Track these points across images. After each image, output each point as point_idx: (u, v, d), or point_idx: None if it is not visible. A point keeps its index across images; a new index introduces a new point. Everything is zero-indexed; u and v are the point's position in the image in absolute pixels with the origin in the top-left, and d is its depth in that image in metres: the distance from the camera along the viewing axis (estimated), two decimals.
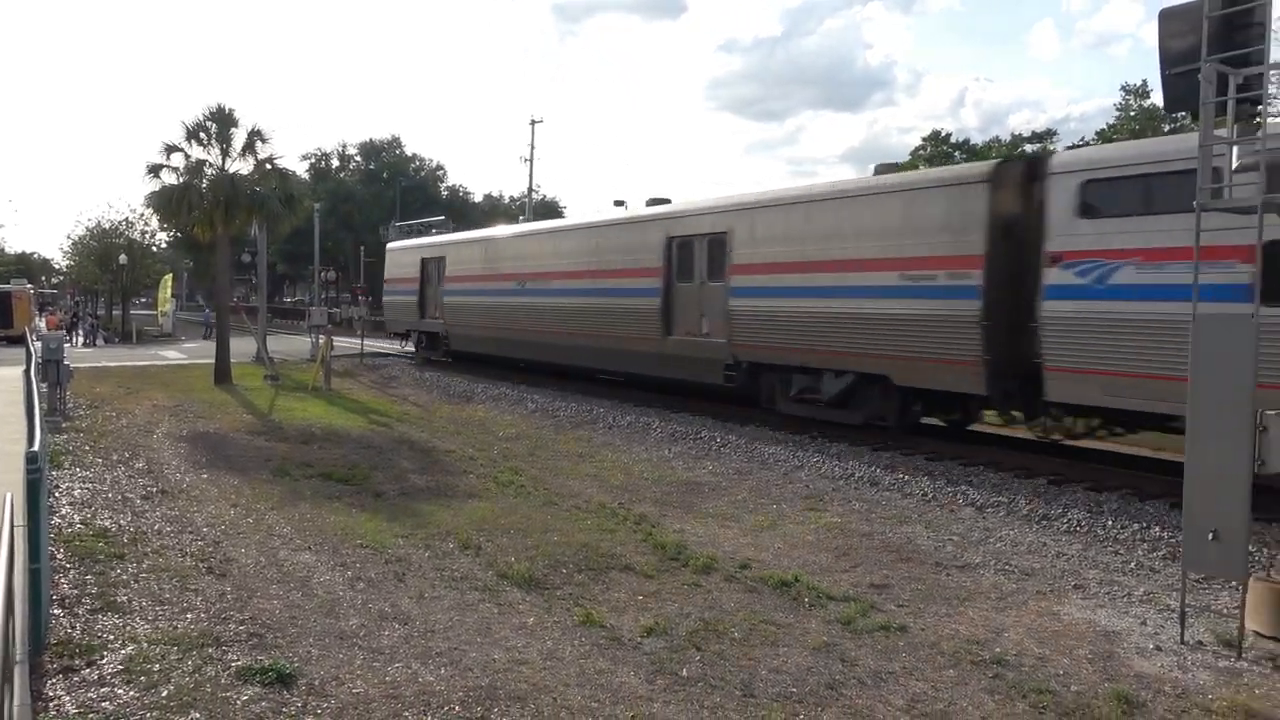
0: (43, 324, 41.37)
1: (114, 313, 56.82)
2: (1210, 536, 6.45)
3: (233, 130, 23.41)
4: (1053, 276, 11.15)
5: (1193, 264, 6.66)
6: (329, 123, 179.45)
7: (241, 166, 23.61)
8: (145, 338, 46.80)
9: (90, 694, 5.28)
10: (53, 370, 16.59)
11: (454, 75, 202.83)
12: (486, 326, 24.73)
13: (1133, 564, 8.60)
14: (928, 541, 9.41)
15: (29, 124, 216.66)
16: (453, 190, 79.46)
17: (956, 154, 51.90)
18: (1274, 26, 7.25)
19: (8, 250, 73.81)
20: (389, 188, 70.40)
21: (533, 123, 59.72)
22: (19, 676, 5.05)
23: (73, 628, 6.25)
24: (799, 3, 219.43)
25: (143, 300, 69.35)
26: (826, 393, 14.66)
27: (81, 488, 10.74)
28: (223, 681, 5.50)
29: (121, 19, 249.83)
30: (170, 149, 23.00)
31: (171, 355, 33.45)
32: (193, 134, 23.11)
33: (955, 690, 5.76)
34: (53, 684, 5.38)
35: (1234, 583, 7.21)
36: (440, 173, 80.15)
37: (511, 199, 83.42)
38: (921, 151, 54.37)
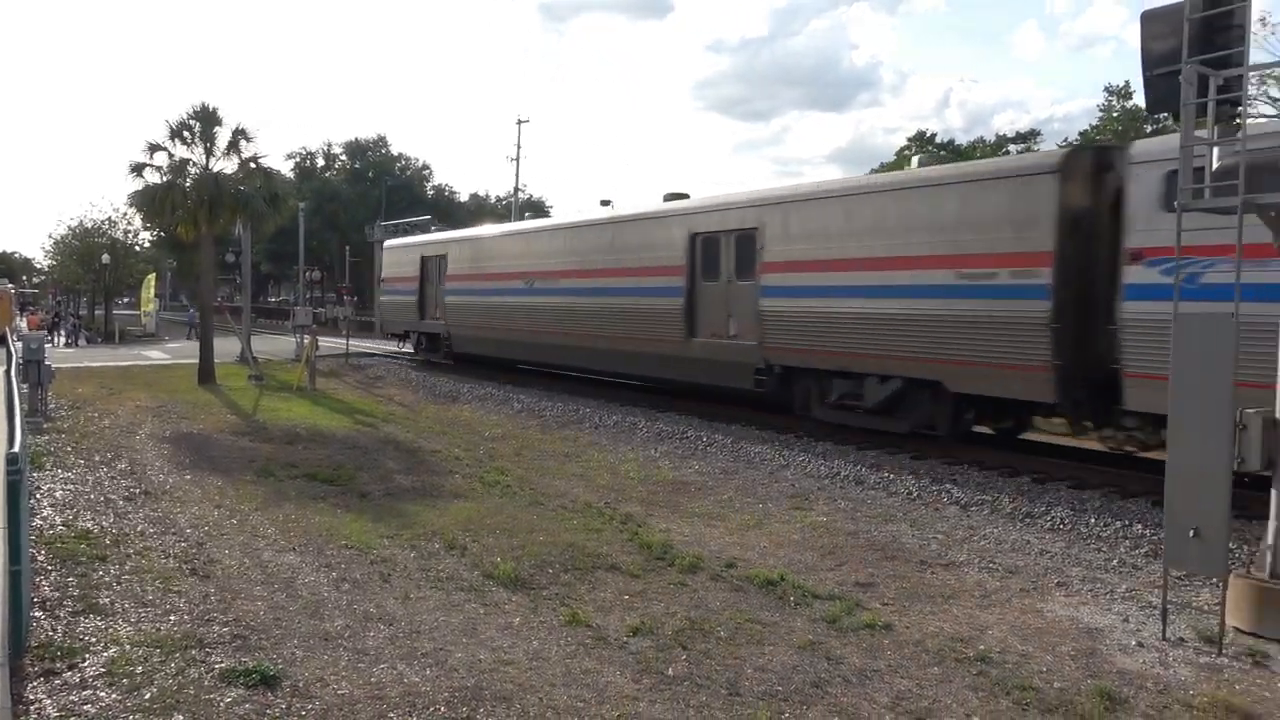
0: (24, 324, 41.02)
1: (96, 313, 56.46)
2: (1191, 534, 6.50)
3: (217, 129, 23.31)
4: (1134, 275, 10.23)
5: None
6: (314, 122, 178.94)
7: (225, 165, 23.54)
8: (128, 338, 46.50)
9: (72, 697, 5.24)
10: (34, 371, 16.46)
11: (440, 75, 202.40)
12: (491, 327, 23.90)
13: (1115, 561, 8.67)
14: (912, 540, 9.45)
15: (9, 122, 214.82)
16: (439, 190, 79.39)
17: (942, 154, 52.14)
18: (1253, 29, 7.32)
19: None
20: (374, 187, 70.23)
21: (519, 122, 60.04)
22: None
23: (54, 630, 6.21)
24: (785, 3, 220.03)
25: (125, 300, 68.92)
26: (870, 399, 13.83)
27: (63, 489, 10.66)
28: (206, 684, 5.47)
29: (104, 16, 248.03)
30: (153, 148, 22.88)
31: (155, 355, 33.23)
32: (176, 133, 22.99)
33: (939, 688, 5.79)
34: (34, 687, 5.34)
35: (1215, 579, 7.28)
36: (426, 172, 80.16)
37: (498, 199, 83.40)
38: (907, 152, 54.60)
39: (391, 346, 36.70)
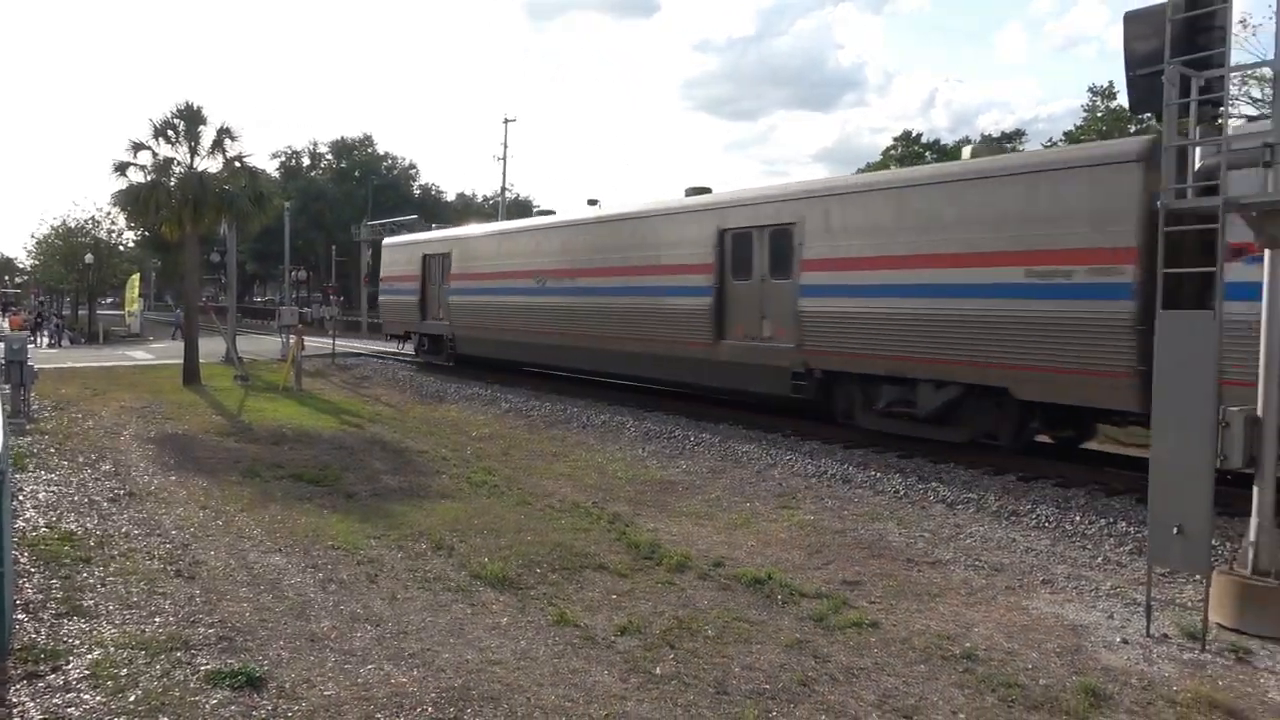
0: (6, 324, 40.71)
1: (80, 313, 56.07)
2: (1175, 531, 6.55)
3: (201, 128, 23.13)
4: (1236, 272, 9.03)
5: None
6: (300, 121, 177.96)
7: (210, 165, 23.36)
8: (112, 338, 46.19)
9: (55, 699, 5.20)
10: (16, 371, 16.30)
11: (426, 74, 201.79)
12: (499, 329, 22.89)
13: (1100, 559, 8.73)
14: (899, 538, 9.49)
15: None
16: (425, 189, 79.18)
17: (927, 154, 52.40)
18: (1234, 30, 7.38)
19: None
20: (360, 186, 69.97)
21: (505, 121, 59.65)
22: None
23: (37, 633, 6.16)
24: (771, 3, 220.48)
25: (109, 300, 68.45)
26: (924, 406, 12.89)
27: (46, 491, 10.57)
28: (191, 685, 5.44)
29: (88, 14, 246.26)
30: (137, 147, 22.69)
31: (139, 356, 33.00)
32: (160, 131, 22.81)
33: (926, 685, 5.81)
34: (17, 690, 5.29)
35: (1198, 576, 7.34)
36: (413, 171, 79.97)
37: (485, 198, 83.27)
38: (893, 151, 54.85)
39: (378, 346, 36.60)
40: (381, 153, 77.96)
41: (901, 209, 13.00)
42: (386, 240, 31.76)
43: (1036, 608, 7.38)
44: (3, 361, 16.78)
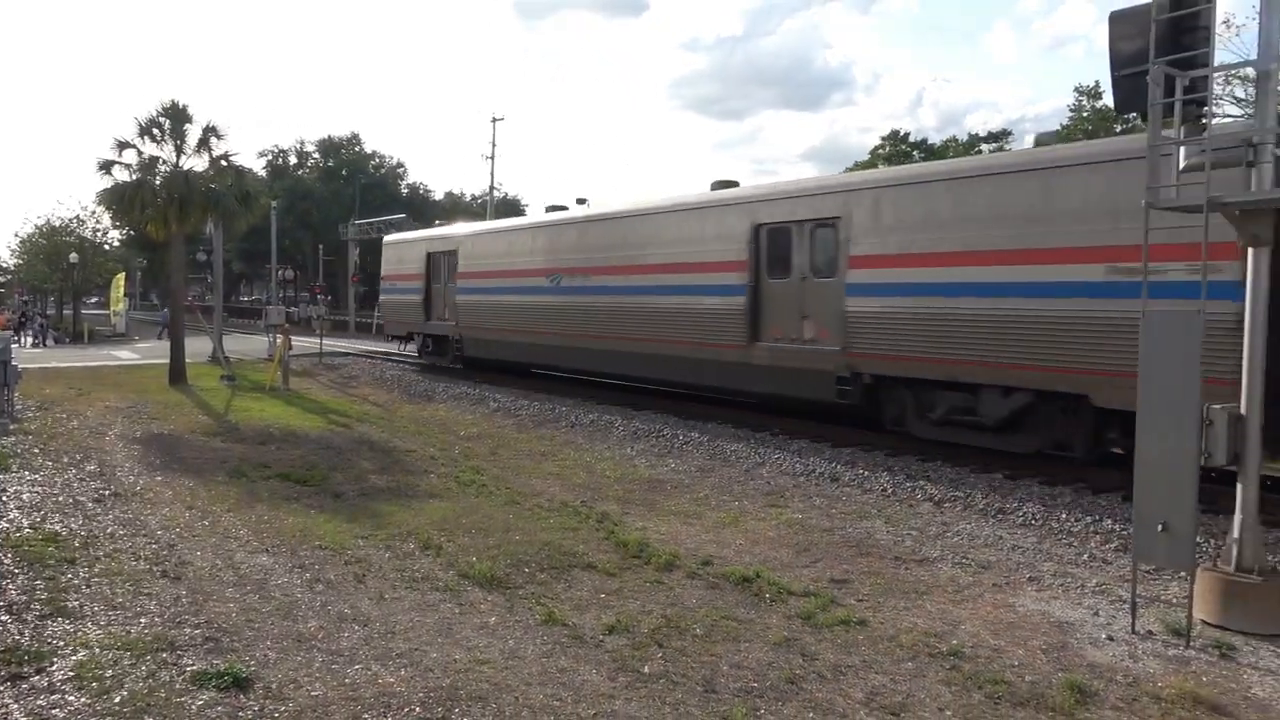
0: None
1: (64, 312, 55.69)
2: (1160, 528, 6.60)
3: (187, 126, 22.96)
4: None
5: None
6: (286, 119, 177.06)
7: (196, 163, 23.21)
8: (98, 338, 45.93)
9: (40, 701, 5.17)
10: (0, 372, 16.19)
11: (414, 73, 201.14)
12: (509, 330, 21.99)
13: (1085, 556, 8.78)
14: (887, 536, 9.52)
15: None
16: (413, 188, 78.87)
17: (915, 153, 52.59)
18: (1218, 30, 7.43)
19: None
20: (348, 185, 69.68)
21: (494, 120, 59.49)
22: None
23: (21, 634, 6.11)
24: (759, 2, 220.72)
25: (94, 300, 68.04)
26: (987, 414, 12.10)
27: (30, 491, 10.49)
28: (177, 686, 5.41)
29: (72, 11, 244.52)
30: (122, 145, 22.53)
31: (124, 355, 32.81)
32: (145, 130, 22.66)
33: (913, 682, 5.84)
34: (0, 692, 5.25)
35: (1183, 573, 7.39)
36: (400, 170, 79.60)
37: (473, 197, 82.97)
38: (880, 151, 55.02)
39: (365, 345, 36.50)
40: (369, 151, 77.68)
41: (963, 201, 12.11)
42: (388, 237, 30.72)
43: (1023, 605, 7.41)
44: None
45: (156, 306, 68.36)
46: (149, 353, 33.08)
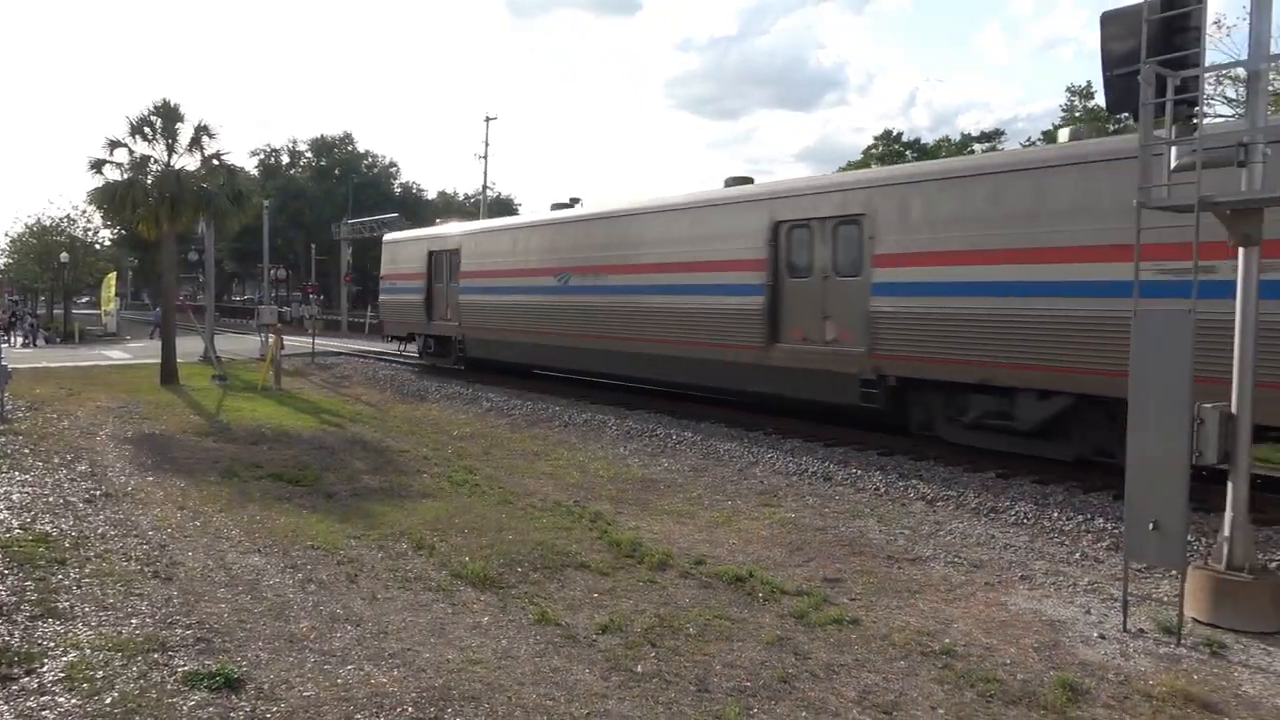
0: None
1: (55, 312, 55.45)
2: (1151, 527, 6.62)
3: (178, 125, 22.95)
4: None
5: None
6: (279, 119, 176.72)
7: (188, 162, 23.19)
8: (89, 337, 45.74)
9: (30, 703, 5.14)
10: None
11: (407, 72, 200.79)
12: (514, 330, 21.47)
13: (1077, 554, 8.80)
14: (880, 535, 9.53)
15: None
16: (406, 187, 78.78)
17: (908, 153, 52.66)
18: (1209, 31, 7.46)
19: None
20: (341, 185, 69.56)
21: (487, 119, 59.50)
22: None
23: (11, 635, 6.08)
24: (753, 2, 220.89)
25: (85, 299, 67.77)
26: (1024, 419, 11.58)
27: (20, 492, 10.45)
28: (169, 687, 5.39)
29: (63, 9, 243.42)
30: (114, 144, 22.48)
31: (116, 355, 32.69)
32: (137, 129, 22.61)
33: (906, 681, 5.84)
34: None
35: (1174, 571, 7.41)
36: (393, 170, 79.51)
37: (466, 196, 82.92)
38: (874, 150, 55.11)
39: (358, 344, 36.42)
40: (362, 151, 77.61)
41: (998, 198, 11.60)
42: (388, 236, 30.17)
43: (1015, 603, 7.43)
44: None
45: (148, 306, 68.14)
46: (140, 352, 32.96)
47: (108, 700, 5.19)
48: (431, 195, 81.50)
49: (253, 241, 58.44)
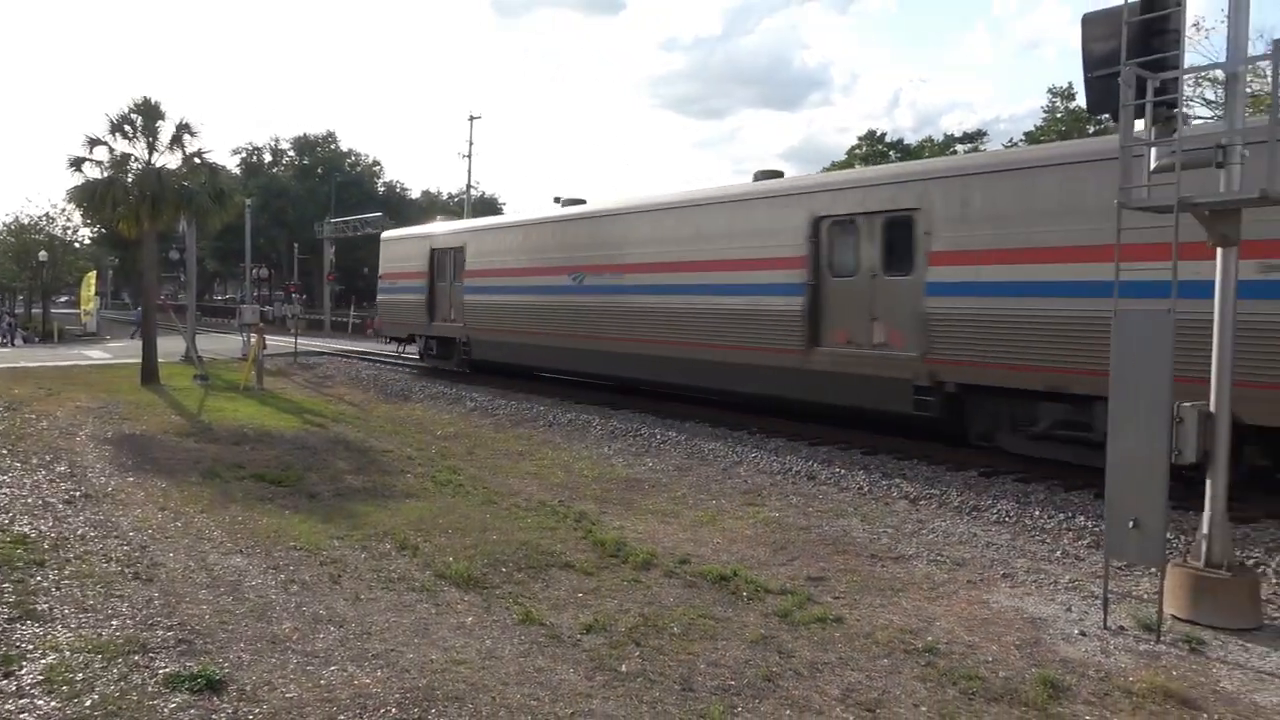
0: None
1: (34, 311, 54.91)
2: (1131, 525, 6.68)
3: (159, 123, 22.72)
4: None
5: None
6: (261, 117, 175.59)
7: (169, 161, 22.96)
8: (68, 337, 45.34)
9: (8, 705, 5.09)
10: None
11: (390, 70, 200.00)
12: (523, 332, 20.61)
13: (1059, 552, 8.87)
14: (863, 534, 9.57)
15: None
16: (389, 186, 78.43)
17: (891, 153, 52.93)
18: (1188, 33, 7.53)
19: None
20: (323, 183, 69.16)
21: (471, 119, 59.48)
22: None
23: None
24: (738, 2, 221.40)
25: (64, 299, 67.15)
26: (1103, 430, 10.70)
27: None
28: (149, 689, 5.35)
29: (41, 6, 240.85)
30: (93, 142, 22.26)
31: (96, 355, 32.40)
32: (117, 127, 22.39)
33: (889, 679, 5.87)
34: None
35: (1153, 569, 7.48)
36: (376, 168, 79.14)
37: (450, 195, 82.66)
38: (857, 150, 55.37)
39: (341, 344, 36.26)
40: (345, 149, 77.19)
41: (1072, 190, 10.72)
42: (387, 233, 29.29)
43: (997, 601, 7.48)
44: None
45: (128, 305, 67.57)
46: (120, 352, 32.68)
47: (88, 703, 5.15)
48: (415, 194, 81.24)
49: (235, 240, 58.00)
